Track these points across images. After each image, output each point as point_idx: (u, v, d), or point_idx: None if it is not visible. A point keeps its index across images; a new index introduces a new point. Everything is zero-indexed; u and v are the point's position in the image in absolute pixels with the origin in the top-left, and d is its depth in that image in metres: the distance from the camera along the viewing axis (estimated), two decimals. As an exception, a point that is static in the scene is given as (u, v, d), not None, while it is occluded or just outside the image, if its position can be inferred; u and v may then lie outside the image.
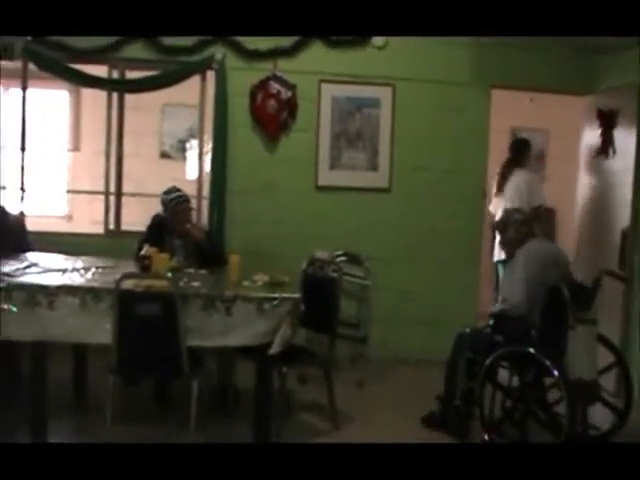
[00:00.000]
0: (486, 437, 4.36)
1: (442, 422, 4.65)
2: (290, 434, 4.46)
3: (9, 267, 4.47)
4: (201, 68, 6.21)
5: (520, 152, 6.63)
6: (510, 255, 4.79)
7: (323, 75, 6.28)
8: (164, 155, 8.24)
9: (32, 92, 6.34)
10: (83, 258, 5.03)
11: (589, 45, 6.05)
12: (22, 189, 6.23)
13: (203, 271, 4.71)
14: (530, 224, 4.81)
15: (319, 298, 4.63)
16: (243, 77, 6.18)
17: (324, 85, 6.29)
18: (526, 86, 6.57)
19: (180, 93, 6.59)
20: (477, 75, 6.36)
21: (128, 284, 4.00)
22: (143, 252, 4.56)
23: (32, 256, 5.00)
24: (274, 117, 6.26)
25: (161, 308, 3.92)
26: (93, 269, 4.65)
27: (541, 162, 8.21)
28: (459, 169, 6.42)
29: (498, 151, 6.76)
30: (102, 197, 6.43)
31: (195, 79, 6.26)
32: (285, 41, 6.12)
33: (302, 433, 4.62)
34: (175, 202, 5.09)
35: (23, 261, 4.76)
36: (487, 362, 4.34)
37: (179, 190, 5.18)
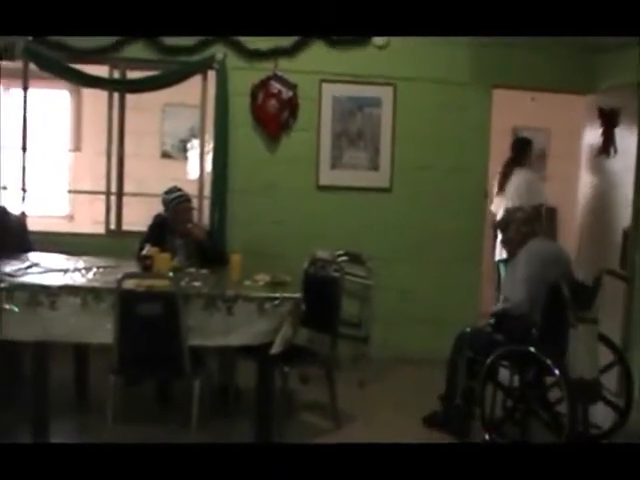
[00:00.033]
0: (487, 437, 4.36)
1: (444, 422, 4.65)
2: (292, 434, 4.47)
3: (11, 267, 4.48)
4: (202, 68, 6.21)
5: (521, 151, 6.63)
6: (512, 254, 4.79)
7: (324, 75, 6.27)
8: (165, 155, 8.24)
9: (33, 92, 6.34)
10: (84, 258, 5.03)
11: (590, 44, 6.05)
12: (23, 189, 6.24)
13: (204, 271, 4.71)
14: (532, 223, 4.80)
15: (320, 298, 4.63)
16: (244, 77, 6.18)
17: (325, 85, 6.29)
18: (527, 85, 6.57)
19: (181, 93, 6.59)
20: (478, 74, 6.36)
21: (129, 284, 4.00)
22: (144, 252, 4.56)
23: (33, 256, 5.01)
24: (275, 117, 6.26)
25: (162, 308, 3.92)
26: (94, 269, 4.66)
27: (542, 161, 8.20)
28: (460, 168, 6.42)
29: (499, 150, 6.76)
30: (103, 197, 6.43)
31: (196, 79, 6.26)
32: (286, 41, 6.12)
33: (304, 433, 4.62)
34: (176, 202, 5.09)
35: (25, 261, 4.76)
36: (488, 361, 4.34)
37: (180, 190, 5.18)
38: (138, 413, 4.78)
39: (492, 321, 4.58)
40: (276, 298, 4.12)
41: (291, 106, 6.26)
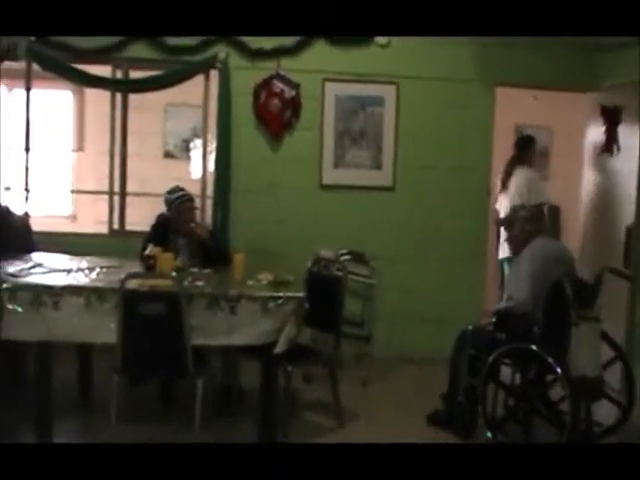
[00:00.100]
0: (489, 435, 4.35)
1: (447, 420, 4.65)
2: (295, 433, 4.47)
3: (14, 267, 4.49)
4: (204, 67, 6.21)
5: (525, 149, 6.61)
6: (516, 252, 4.78)
7: (327, 74, 6.27)
8: (168, 155, 8.25)
9: (36, 92, 6.36)
10: (88, 258, 5.04)
11: (592, 43, 6.04)
12: (26, 189, 6.25)
13: (207, 270, 4.71)
14: (536, 221, 4.79)
15: (324, 297, 4.64)
16: (246, 76, 6.18)
17: (328, 84, 6.29)
18: (530, 84, 6.56)
19: (184, 93, 6.59)
20: (481, 73, 6.35)
21: (133, 284, 4.01)
22: (147, 252, 4.56)
23: (37, 256, 5.01)
24: (278, 116, 6.26)
25: (166, 307, 3.92)
26: (98, 269, 4.66)
27: (545, 159, 8.19)
28: (463, 167, 6.41)
29: (502, 149, 6.75)
30: (106, 197, 6.44)
31: (198, 79, 6.27)
32: (288, 40, 6.12)
33: (307, 432, 4.62)
34: (179, 201, 5.09)
35: (28, 261, 4.77)
36: (490, 359, 4.33)
37: (183, 189, 5.18)
38: (141, 413, 4.78)
39: (494, 319, 4.58)
40: (279, 297, 4.12)
41: (294, 105, 6.26)
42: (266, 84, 6.22)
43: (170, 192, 5.15)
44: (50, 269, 4.58)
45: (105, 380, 4.24)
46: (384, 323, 6.05)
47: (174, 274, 4.21)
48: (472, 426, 4.55)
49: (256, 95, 6.23)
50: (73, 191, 8.45)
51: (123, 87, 6.31)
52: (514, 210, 5.03)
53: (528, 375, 4.35)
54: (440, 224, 6.39)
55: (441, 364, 4.83)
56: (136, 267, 4.62)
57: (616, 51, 5.88)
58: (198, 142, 7.09)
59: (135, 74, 6.34)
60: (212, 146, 6.31)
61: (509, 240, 5.00)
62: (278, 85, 6.22)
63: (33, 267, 4.58)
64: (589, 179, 6.53)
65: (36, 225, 5.87)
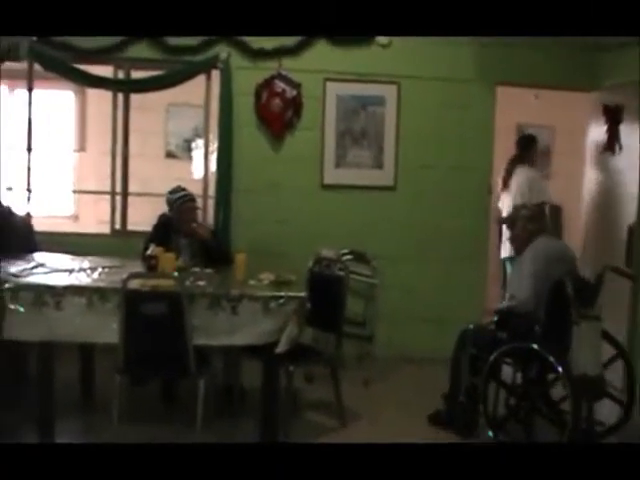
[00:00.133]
0: (490, 434, 4.36)
1: (448, 420, 4.65)
2: (297, 432, 4.47)
3: (16, 267, 4.49)
4: (206, 67, 6.22)
5: (526, 149, 6.61)
6: (519, 251, 4.78)
7: (328, 74, 6.28)
8: (170, 155, 8.25)
9: (38, 93, 6.35)
10: (90, 258, 5.04)
11: (593, 43, 6.03)
12: (28, 190, 6.26)
13: (209, 270, 4.71)
14: (538, 220, 4.79)
15: (325, 297, 4.64)
16: (248, 76, 6.18)
17: (329, 83, 6.29)
18: (531, 83, 6.55)
19: (185, 93, 6.60)
20: (482, 72, 6.35)
21: (135, 284, 4.01)
22: (149, 252, 4.56)
23: (39, 256, 5.02)
24: (279, 116, 6.27)
25: (167, 307, 3.93)
26: (100, 269, 4.66)
27: (547, 158, 8.19)
28: (464, 166, 6.41)
29: (504, 148, 6.75)
30: (108, 197, 6.45)
31: (200, 79, 6.27)
32: (290, 40, 6.12)
33: (309, 431, 4.63)
34: (180, 201, 5.10)
35: (30, 261, 4.78)
36: (491, 358, 4.34)
37: (184, 189, 5.18)
38: (143, 413, 4.78)
39: (496, 318, 4.58)
40: (281, 297, 4.13)
41: (295, 105, 6.26)
42: (267, 84, 6.22)
43: (172, 192, 5.16)
44: (52, 269, 4.59)
45: (107, 380, 4.26)
46: (386, 323, 6.05)
47: (176, 274, 4.22)
48: (473, 425, 4.56)
49: (257, 95, 6.23)
50: (75, 191, 8.46)
51: (125, 87, 6.32)
52: (516, 209, 5.03)
53: (529, 374, 4.35)
54: (441, 224, 6.39)
55: (442, 364, 4.84)
56: (138, 267, 4.62)
57: (617, 51, 5.88)
58: (200, 142, 7.10)
59: (137, 74, 6.34)
60: (214, 146, 6.32)
61: (511, 239, 5.01)
62: (279, 85, 6.23)
63: (35, 267, 4.59)
64: (591, 178, 6.52)
65: (38, 225, 5.89)
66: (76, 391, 5.00)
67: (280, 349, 4.07)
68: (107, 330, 4.00)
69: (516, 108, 7.52)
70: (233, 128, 6.19)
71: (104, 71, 6.25)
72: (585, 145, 6.65)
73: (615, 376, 4.50)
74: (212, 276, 4.58)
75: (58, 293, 4.05)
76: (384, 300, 5.99)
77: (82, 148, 8.39)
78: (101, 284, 4.21)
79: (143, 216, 5.73)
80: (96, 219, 7.34)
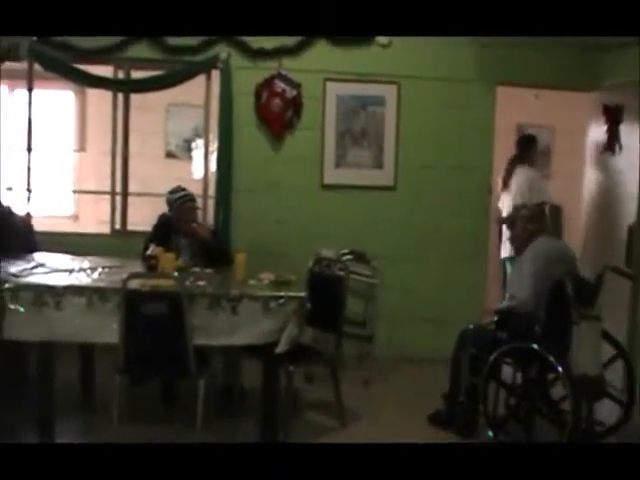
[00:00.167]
0: (490, 434, 4.35)
1: (448, 420, 4.65)
2: (297, 432, 4.47)
3: (16, 267, 4.49)
4: (206, 67, 6.22)
5: (526, 148, 6.61)
6: (519, 251, 4.78)
7: (328, 73, 6.28)
8: (170, 155, 8.25)
9: (38, 93, 6.35)
10: (89, 258, 5.04)
11: (593, 43, 6.03)
12: (28, 190, 6.26)
13: (209, 270, 4.71)
14: (538, 221, 4.78)
15: (325, 297, 4.64)
16: (248, 76, 6.18)
17: (329, 83, 6.29)
18: (531, 83, 6.56)
19: (185, 93, 6.60)
20: (482, 72, 6.35)
21: (134, 284, 4.01)
22: (149, 252, 4.56)
23: (39, 256, 5.02)
24: (279, 116, 6.27)
25: (167, 307, 3.93)
26: (100, 269, 4.66)
27: (547, 158, 8.19)
28: (464, 166, 6.41)
29: (504, 148, 6.75)
30: (108, 197, 6.45)
31: (200, 78, 6.27)
32: (290, 40, 6.12)
33: (309, 431, 4.63)
34: (180, 201, 5.10)
35: (30, 261, 4.78)
36: (491, 358, 4.34)
37: (184, 189, 5.18)
38: (143, 413, 4.78)
39: (495, 318, 4.58)
40: (281, 297, 4.12)
41: (295, 105, 6.27)
42: (267, 84, 6.22)
43: (172, 192, 5.16)
44: (52, 269, 4.59)
45: (107, 380, 4.26)
46: (386, 323, 6.05)
47: (176, 274, 4.22)
48: (473, 425, 4.56)
49: (257, 95, 6.23)
50: (75, 191, 8.46)
51: (125, 87, 6.32)
52: (516, 209, 5.03)
53: (529, 374, 4.35)
54: (441, 224, 6.39)
55: (442, 364, 4.84)
56: (138, 267, 4.62)
57: (617, 51, 5.87)
58: (200, 142, 7.10)
59: (137, 74, 6.34)
60: (214, 146, 6.32)
61: (511, 239, 5.01)
62: (279, 85, 6.23)
63: (35, 267, 4.59)
64: (591, 178, 6.52)
65: (38, 225, 5.89)
66: (76, 391, 5.00)
67: (280, 349, 4.07)
68: (107, 330, 4.00)
69: (516, 108, 7.52)
70: (233, 128, 6.19)
71: (104, 71, 6.25)
72: (585, 145, 6.65)
73: (615, 376, 4.50)
74: (212, 276, 4.58)
75: (58, 293, 4.05)
76: (384, 300, 5.99)
77: (82, 148, 8.39)
78: (101, 284, 4.21)
79: (143, 216, 5.73)
80: (96, 219, 7.34)
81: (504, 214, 6.51)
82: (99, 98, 6.87)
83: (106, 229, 6.45)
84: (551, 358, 4.08)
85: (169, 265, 4.43)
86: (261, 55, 6.18)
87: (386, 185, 6.41)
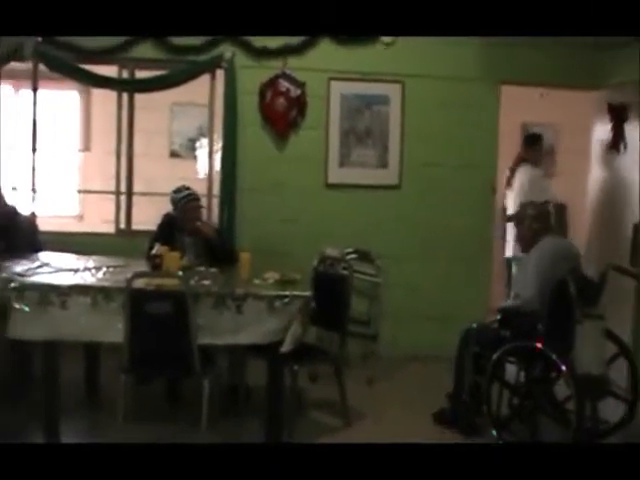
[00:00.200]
0: (494, 433, 4.35)
1: (452, 419, 4.65)
2: (301, 432, 4.47)
3: (21, 267, 4.50)
4: (210, 67, 6.22)
5: (531, 147, 6.61)
6: (525, 250, 4.77)
7: (332, 73, 6.28)
8: (174, 154, 8.27)
9: (43, 93, 6.38)
10: (94, 257, 5.05)
11: (596, 42, 6.00)
12: (33, 190, 6.27)
13: (214, 269, 4.71)
14: (544, 219, 4.76)
15: (330, 296, 4.64)
16: (252, 75, 6.19)
17: (333, 83, 6.29)
18: (535, 82, 6.55)
19: (190, 92, 6.60)
20: (486, 71, 6.35)
21: (139, 283, 4.02)
22: (154, 251, 4.57)
23: (44, 256, 5.03)
24: (283, 115, 6.27)
25: (172, 306, 3.93)
26: (104, 268, 4.67)
27: (552, 157, 8.17)
28: (469, 165, 6.41)
29: (508, 147, 6.74)
30: (113, 197, 6.46)
31: (204, 78, 6.27)
32: (294, 39, 6.12)
33: (313, 430, 4.63)
34: (185, 200, 5.10)
35: (35, 261, 4.79)
36: (494, 357, 4.33)
37: (189, 189, 5.19)
38: (148, 412, 4.79)
39: (499, 317, 4.58)
40: (286, 296, 4.12)
41: (299, 104, 6.27)
42: (272, 83, 6.22)
43: (176, 191, 5.16)
44: (57, 268, 4.59)
45: (112, 379, 4.26)
46: (390, 322, 6.05)
47: (180, 273, 4.21)
48: (477, 424, 4.55)
49: (262, 94, 6.23)
50: (80, 191, 8.47)
51: (129, 87, 6.33)
52: (523, 207, 5.01)
53: (533, 373, 4.35)
54: (446, 222, 6.39)
55: (447, 362, 4.83)
56: (143, 266, 4.63)
57: (621, 49, 5.86)
58: (204, 141, 7.11)
59: (141, 74, 6.35)
60: (218, 145, 6.32)
61: (518, 237, 5.00)
62: (284, 84, 6.23)
63: (40, 267, 4.60)
64: (596, 176, 6.51)
65: (43, 225, 5.89)
66: (81, 390, 5.01)
67: (285, 348, 4.07)
68: (112, 329, 4.00)
69: (521, 107, 7.49)
70: (237, 127, 6.19)
71: (109, 71, 6.26)
72: (590, 144, 6.64)
73: (619, 375, 4.49)
74: (217, 275, 4.58)
75: (63, 292, 4.06)
76: (388, 299, 5.99)
77: (87, 148, 8.41)
78: (106, 283, 4.21)
79: (148, 215, 5.73)
80: (101, 219, 7.34)
81: (508, 212, 6.52)
82: (104, 98, 6.88)
83: (111, 229, 6.47)
84: (555, 357, 4.08)
85: (174, 264, 4.43)
86: (265, 54, 6.18)
87: (390, 184, 6.41)
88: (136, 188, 6.45)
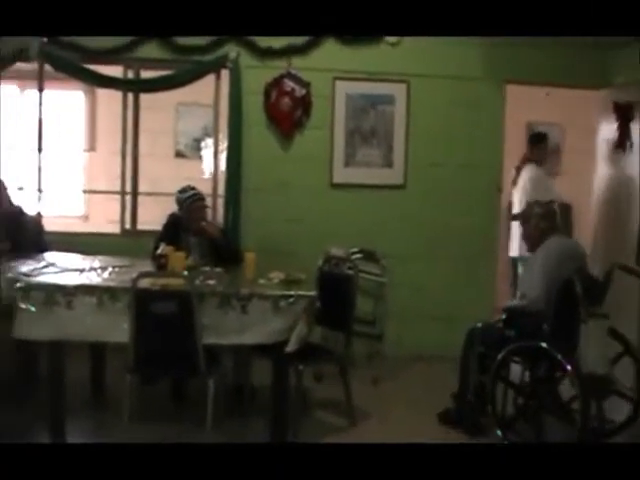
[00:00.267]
0: (499, 433, 4.34)
1: (458, 419, 4.64)
2: (306, 431, 4.47)
3: (27, 267, 4.51)
4: (215, 67, 6.23)
5: (536, 146, 6.60)
6: (532, 249, 4.76)
7: (337, 72, 6.28)
8: (179, 154, 8.27)
9: (48, 93, 6.38)
10: (100, 257, 5.06)
11: (602, 40, 5.99)
12: (39, 190, 6.28)
13: (219, 269, 4.72)
14: (551, 219, 4.75)
15: (335, 295, 4.64)
16: (257, 75, 6.19)
17: (338, 82, 6.29)
18: (540, 81, 6.53)
19: (195, 92, 6.61)
20: (491, 70, 6.34)
21: (145, 283, 4.02)
22: (159, 251, 4.57)
23: (49, 256, 5.04)
24: (288, 115, 6.27)
25: (177, 306, 3.93)
26: (110, 268, 4.68)
27: (557, 157, 8.15)
28: (474, 165, 6.41)
29: (513, 146, 6.73)
30: (118, 197, 6.47)
31: (209, 78, 6.28)
32: (299, 39, 6.13)
33: (318, 430, 4.62)
34: (190, 200, 5.11)
35: (41, 261, 4.80)
36: (499, 357, 4.32)
37: (194, 189, 5.19)
38: (153, 412, 4.79)
39: (504, 316, 4.57)
40: (291, 296, 4.12)
41: (304, 104, 6.27)
42: (277, 83, 6.23)
43: (181, 191, 5.17)
44: (63, 269, 4.60)
45: (117, 379, 4.28)
46: (395, 321, 6.04)
47: (186, 273, 4.22)
48: (482, 424, 4.54)
49: (267, 94, 6.24)
50: (85, 191, 8.49)
51: (134, 87, 6.34)
52: (529, 206, 5.00)
53: (538, 373, 4.34)
54: (451, 222, 6.39)
55: (452, 362, 4.82)
56: (148, 266, 4.64)
57: (627, 48, 5.85)
58: (209, 141, 7.12)
59: (146, 74, 6.36)
60: (223, 145, 6.33)
61: (524, 237, 4.99)
62: (289, 84, 6.23)
63: (46, 267, 4.61)
64: (602, 176, 6.50)
65: (49, 225, 5.91)
66: (87, 390, 5.02)
67: (290, 348, 4.07)
68: (117, 329, 4.01)
69: (526, 106, 7.48)
70: (242, 127, 6.20)
71: (114, 71, 6.27)
72: (596, 143, 6.63)
73: (625, 374, 4.48)
74: (222, 275, 4.58)
75: (69, 292, 4.06)
76: (394, 299, 5.98)
77: (92, 148, 8.42)
78: (111, 283, 4.22)
79: (153, 215, 5.75)
80: (106, 219, 7.36)
81: (514, 211, 6.51)
82: (109, 98, 6.90)
83: (116, 229, 6.47)
84: (560, 356, 4.07)
85: (179, 264, 4.44)
86: (270, 54, 6.19)
87: (396, 184, 6.41)
88: (141, 188, 6.46)
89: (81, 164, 8.53)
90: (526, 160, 6.54)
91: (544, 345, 4.16)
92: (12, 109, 6.42)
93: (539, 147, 6.59)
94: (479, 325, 4.69)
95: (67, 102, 8.27)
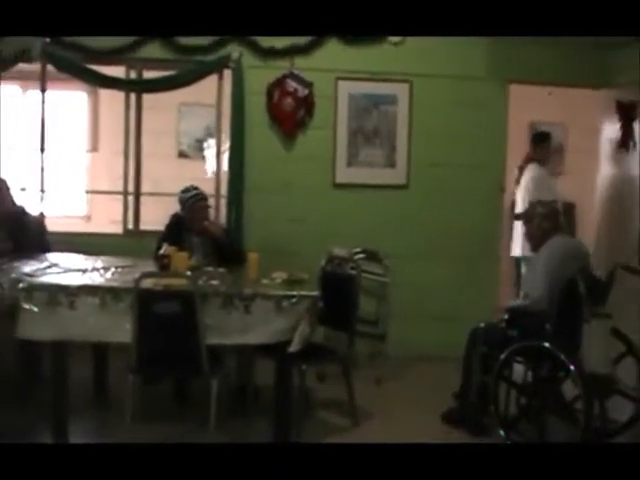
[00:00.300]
0: (502, 433, 4.34)
1: (461, 419, 4.64)
2: (309, 431, 4.47)
3: (30, 267, 4.51)
4: (218, 67, 6.23)
5: (539, 145, 6.60)
6: (535, 248, 4.75)
7: (340, 72, 6.28)
8: (182, 154, 8.28)
9: (50, 93, 6.39)
10: (102, 258, 5.06)
11: (604, 41, 5.98)
12: (42, 190, 6.29)
13: (222, 269, 4.71)
14: (554, 218, 4.74)
15: (338, 295, 4.64)
16: (260, 75, 6.19)
17: (341, 82, 6.29)
18: (543, 80, 6.53)
19: (197, 92, 6.61)
20: (494, 70, 6.33)
21: (147, 283, 4.02)
22: (162, 251, 4.57)
23: (52, 256, 5.04)
24: (291, 115, 6.27)
25: (180, 306, 3.93)
26: (113, 269, 4.68)
27: (560, 156, 8.15)
28: (477, 164, 6.40)
29: (516, 146, 6.73)
30: (121, 197, 6.48)
31: (212, 78, 6.28)
32: (301, 39, 6.12)
33: (321, 430, 4.62)
34: (193, 200, 5.11)
35: (43, 261, 4.80)
36: (502, 357, 4.32)
37: (196, 188, 5.19)
38: (156, 412, 4.79)
39: (506, 316, 4.57)
40: (294, 296, 4.12)
41: (307, 104, 6.27)
42: (279, 83, 6.23)
43: (184, 191, 5.17)
44: (65, 269, 4.60)
45: (120, 379, 4.26)
46: (398, 321, 6.03)
47: (188, 273, 4.22)
48: (485, 424, 4.54)
49: (269, 94, 6.24)
50: (88, 191, 8.49)
51: (137, 87, 6.34)
52: (532, 206, 4.99)
53: (540, 373, 4.34)
54: (453, 222, 6.38)
55: (455, 362, 4.82)
56: (151, 266, 4.64)
57: (630, 47, 5.84)
58: (212, 141, 7.12)
59: (149, 74, 6.36)
60: (226, 145, 6.33)
61: (527, 236, 4.98)
62: (291, 84, 6.23)
63: (49, 267, 4.61)
64: (605, 175, 6.49)
65: (51, 225, 5.90)
66: (89, 391, 5.02)
67: (293, 348, 4.07)
68: (120, 330, 4.01)
69: (529, 106, 7.48)
70: (245, 127, 6.20)
71: (116, 71, 6.27)
72: (599, 143, 6.62)
73: (628, 374, 4.47)
74: (225, 275, 4.58)
75: (72, 293, 4.06)
76: (396, 298, 5.98)
77: (95, 148, 8.43)
78: (114, 284, 4.22)
79: (155, 216, 5.74)
80: (109, 219, 7.36)
81: (517, 210, 6.51)
82: (111, 98, 6.89)
83: (119, 229, 6.48)
84: (562, 356, 4.07)
85: (182, 264, 4.44)
86: (272, 54, 6.19)
87: (398, 184, 6.40)
88: (144, 188, 6.47)
89: (84, 164, 8.54)
90: (529, 160, 6.54)
91: (547, 345, 4.16)
92: (15, 110, 6.42)
93: (542, 147, 6.59)
94: (482, 325, 4.69)
95: (69, 102, 8.28)
